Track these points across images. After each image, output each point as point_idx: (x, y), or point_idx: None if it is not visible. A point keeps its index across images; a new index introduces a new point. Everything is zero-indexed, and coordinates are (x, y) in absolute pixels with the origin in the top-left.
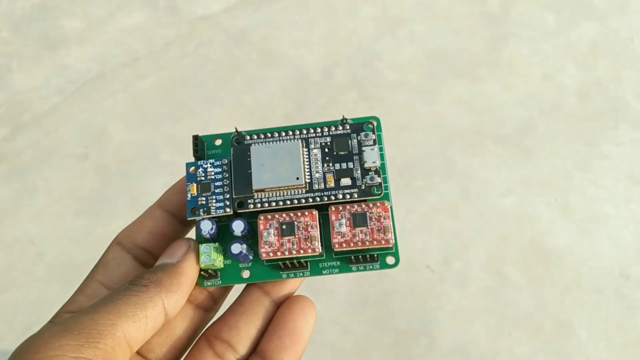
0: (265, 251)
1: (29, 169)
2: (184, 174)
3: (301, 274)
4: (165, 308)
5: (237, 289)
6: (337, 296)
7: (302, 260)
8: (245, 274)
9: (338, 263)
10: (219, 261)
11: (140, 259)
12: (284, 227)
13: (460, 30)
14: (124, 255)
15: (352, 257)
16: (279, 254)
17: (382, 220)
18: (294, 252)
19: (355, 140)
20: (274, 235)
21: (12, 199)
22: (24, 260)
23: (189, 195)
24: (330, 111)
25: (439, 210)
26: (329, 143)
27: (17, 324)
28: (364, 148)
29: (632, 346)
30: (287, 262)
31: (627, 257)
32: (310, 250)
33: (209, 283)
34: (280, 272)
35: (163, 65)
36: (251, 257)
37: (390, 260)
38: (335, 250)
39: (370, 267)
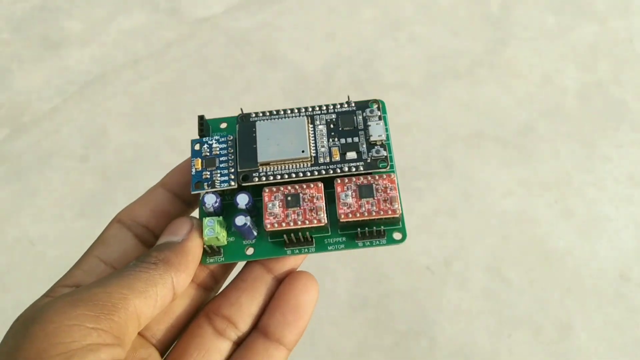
0: (270, 222)
1: (29, 170)
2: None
3: (306, 250)
4: (174, 286)
5: (238, 267)
6: (337, 297)
7: (308, 235)
8: (249, 250)
9: (344, 239)
10: (222, 236)
11: (140, 237)
12: (289, 198)
13: (461, 31)
14: (124, 233)
15: (359, 232)
16: (283, 224)
17: (388, 192)
18: (300, 222)
19: (360, 117)
20: (279, 207)
21: (12, 200)
22: (24, 261)
23: (193, 170)
24: None
25: (439, 212)
26: (334, 119)
27: None
28: (369, 123)
29: (632, 347)
30: (293, 236)
31: (627, 258)
32: (315, 221)
33: (211, 260)
34: (285, 249)
35: (163, 67)
36: (255, 233)
37: (397, 235)
38: (341, 221)
39: (377, 242)
